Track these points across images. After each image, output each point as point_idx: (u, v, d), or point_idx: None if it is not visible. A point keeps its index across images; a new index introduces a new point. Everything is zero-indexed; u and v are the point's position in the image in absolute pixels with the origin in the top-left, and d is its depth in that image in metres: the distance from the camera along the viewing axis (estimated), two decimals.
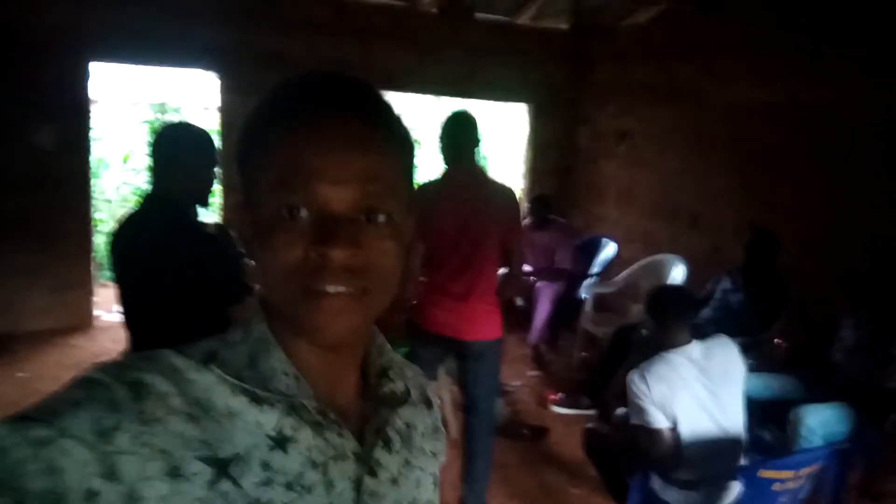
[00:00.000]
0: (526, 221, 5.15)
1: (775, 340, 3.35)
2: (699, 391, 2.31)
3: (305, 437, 0.55)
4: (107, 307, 4.96)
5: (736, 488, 2.23)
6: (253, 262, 0.58)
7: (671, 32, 5.04)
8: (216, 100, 5.18)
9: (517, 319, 4.97)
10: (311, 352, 0.58)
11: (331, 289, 0.53)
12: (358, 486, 0.58)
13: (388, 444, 0.63)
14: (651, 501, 2.42)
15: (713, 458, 2.32)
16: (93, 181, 5.00)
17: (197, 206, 2.02)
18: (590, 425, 2.98)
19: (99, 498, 0.44)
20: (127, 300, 1.96)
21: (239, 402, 0.53)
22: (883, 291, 2.97)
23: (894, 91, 3.36)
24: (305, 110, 0.54)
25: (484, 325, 2.62)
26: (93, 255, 4.95)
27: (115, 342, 4.28)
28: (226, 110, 5.14)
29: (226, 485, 0.50)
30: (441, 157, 2.60)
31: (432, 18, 5.53)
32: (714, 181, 4.65)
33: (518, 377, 4.48)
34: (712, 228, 4.68)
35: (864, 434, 2.84)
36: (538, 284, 4.77)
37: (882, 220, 3.41)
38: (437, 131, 2.60)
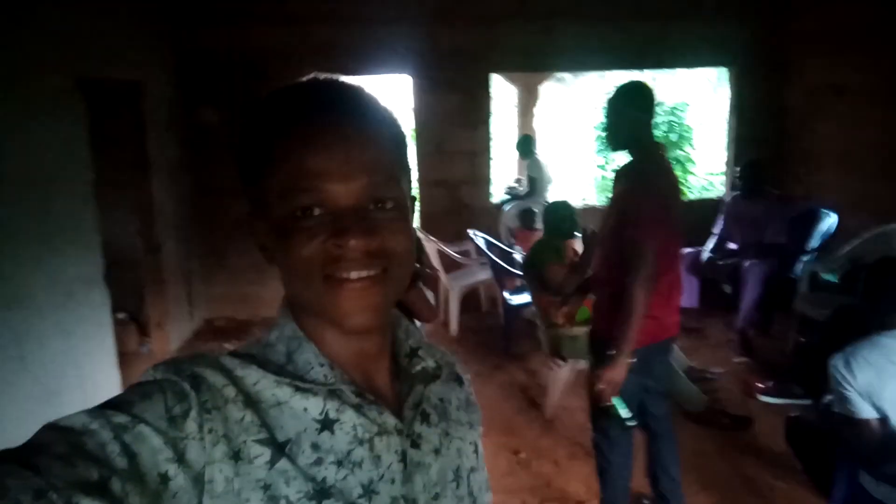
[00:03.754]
0: (736, 193, 4.77)
1: None
2: None
3: (349, 417, 0.60)
4: None
5: None
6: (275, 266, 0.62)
7: None
8: (410, 101, 5.52)
9: (723, 302, 4.64)
10: (342, 341, 0.63)
11: (353, 275, 0.57)
12: (403, 458, 0.62)
13: (426, 418, 0.67)
14: (860, 498, 2.14)
15: None
16: None
17: None
18: (794, 413, 2.71)
19: (171, 481, 0.49)
20: None
21: (284, 393, 0.58)
22: None
23: None
24: (303, 116, 0.58)
25: None
26: None
27: None
28: (418, 110, 5.47)
29: (284, 464, 0.55)
30: (620, 138, 2.33)
31: None
32: None
33: (721, 364, 4.19)
34: None
35: None
36: (746, 263, 4.39)
37: None
38: (617, 108, 2.31)
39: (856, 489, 2.16)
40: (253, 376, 0.58)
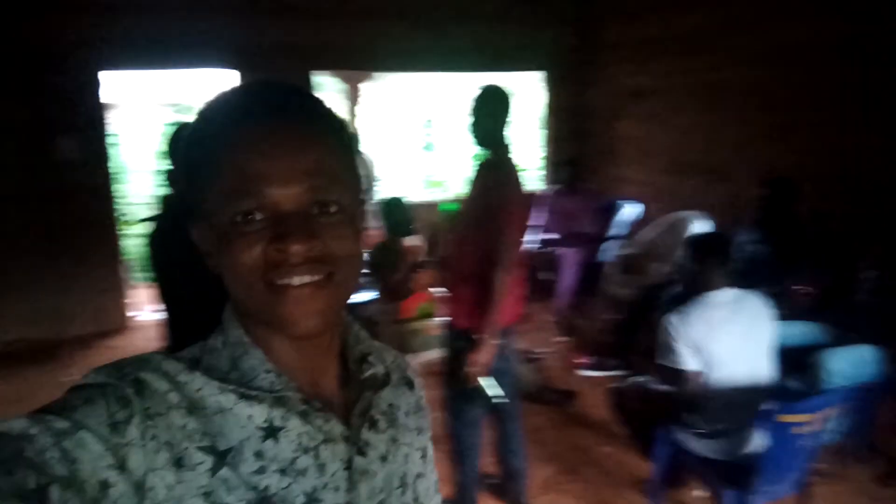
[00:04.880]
0: (555, 187, 5.16)
1: (799, 288, 3.32)
2: (733, 334, 2.37)
3: (294, 425, 0.59)
4: (140, 308, 5.14)
5: (759, 436, 2.27)
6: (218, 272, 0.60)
7: None
8: None
9: (543, 288, 5.02)
10: (288, 347, 0.61)
11: (296, 280, 0.56)
12: (349, 465, 0.62)
13: (374, 425, 0.67)
14: (677, 453, 2.47)
15: (740, 405, 2.36)
16: (118, 186, 5.14)
17: None
18: (614, 385, 3.03)
19: (112, 489, 0.47)
20: (166, 298, 2.06)
21: (228, 399, 0.57)
22: None
23: None
24: (244, 120, 0.57)
25: None
26: (122, 258, 5.13)
27: (150, 340, 4.45)
28: None
29: (226, 472, 0.54)
30: (484, 136, 2.44)
31: None
32: (730, 131, 4.59)
33: (545, 344, 4.53)
34: (731, 179, 4.63)
35: (893, 373, 2.83)
36: (561, 251, 4.79)
37: None
38: (480, 108, 2.43)
39: (674, 446, 2.48)
40: (196, 382, 0.57)
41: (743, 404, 2.38)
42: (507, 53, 5.91)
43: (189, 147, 0.60)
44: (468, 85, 10.47)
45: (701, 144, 4.89)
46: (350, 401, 0.66)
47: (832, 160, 3.77)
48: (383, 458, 0.66)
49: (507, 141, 2.45)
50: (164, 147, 2.07)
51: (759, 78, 4.29)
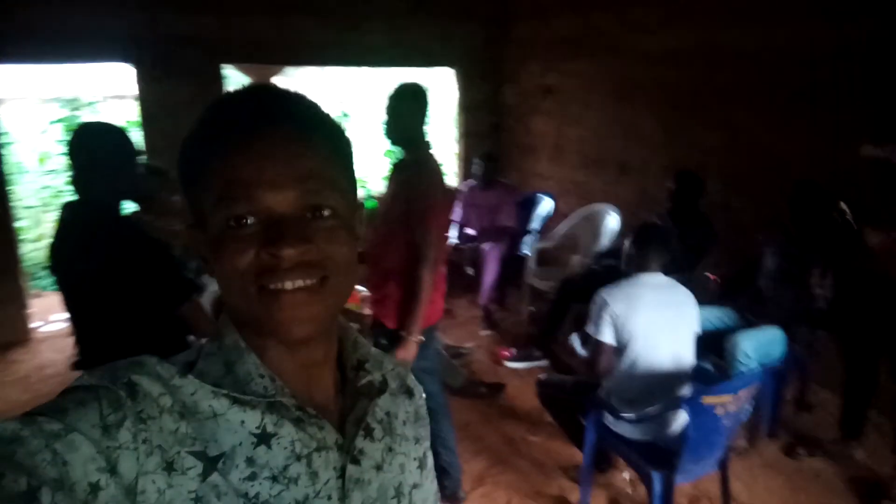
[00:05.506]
0: (471, 182, 5.21)
1: (707, 275, 3.53)
2: (659, 315, 2.50)
3: (288, 432, 0.58)
4: (44, 317, 4.78)
5: (681, 417, 2.40)
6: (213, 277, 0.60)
7: None
8: (132, 90, 5.00)
9: (466, 283, 5.07)
10: (283, 352, 0.61)
11: (288, 285, 0.55)
12: (342, 474, 0.61)
13: (369, 433, 0.66)
14: (605, 436, 2.57)
15: (662, 386, 2.48)
16: (11, 188, 4.75)
17: (130, 203, 1.99)
18: (541, 376, 3.10)
19: (102, 492, 0.47)
20: (72, 308, 1.94)
21: (221, 405, 0.56)
22: (800, 220, 3.16)
23: (801, 27, 3.52)
24: (238, 125, 0.57)
25: None
26: (21, 266, 4.74)
27: (58, 352, 4.15)
28: (144, 100, 4.97)
29: (216, 478, 0.54)
30: (401, 135, 2.44)
31: None
32: (639, 128, 4.80)
33: (471, 339, 4.59)
34: (640, 174, 4.84)
35: (794, 353, 3.06)
36: (484, 246, 4.85)
37: (797, 151, 3.60)
38: (397, 106, 2.41)
39: (602, 430, 2.58)
40: (190, 386, 0.57)
41: (665, 387, 2.51)
42: (421, 49, 5.91)
43: (185, 151, 0.60)
44: (384, 80, 10.43)
45: (612, 141, 5.08)
46: (346, 408, 0.66)
47: (734, 156, 4.01)
48: (378, 468, 0.66)
49: (426, 138, 2.46)
50: (65, 149, 1.95)
51: (665, 77, 4.49)
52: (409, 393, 0.76)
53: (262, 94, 0.60)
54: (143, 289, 1.85)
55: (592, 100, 5.23)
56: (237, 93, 0.61)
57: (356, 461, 0.63)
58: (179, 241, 2.77)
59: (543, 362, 4.09)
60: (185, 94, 5.00)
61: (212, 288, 3.28)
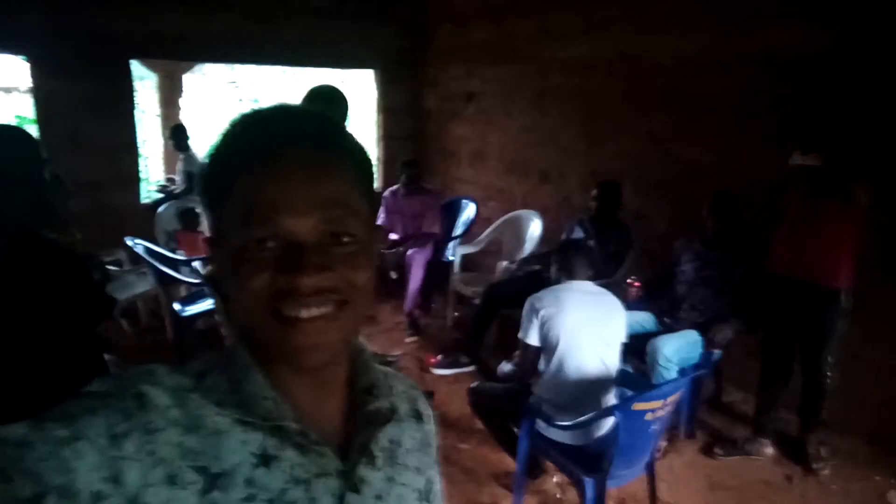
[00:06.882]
0: (396, 188, 5.15)
1: (630, 281, 3.64)
2: (586, 318, 2.57)
3: (289, 455, 0.57)
4: None
5: (608, 421, 2.46)
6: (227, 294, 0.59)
7: None
8: (26, 84, 4.64)
9: (391, 289, 5.02)
10: (291, 374, 0.60)
11: (304, 313, 0.55)
12: (341, 501, 0.60)
13: (372, 461, 0.65)
14: (538, 443, 2.59)
15: (589, 390, 2.54)
16: None
17: (39, 215, 1.81)
18: (473, 384, 3.10)
19: (105, 501, 0.47)
20: None
21: (225, 422, 0.56)
22: (713, 227, 3.31)
23: (715, 36, 3.69)
24: (262, 146, 0.56)
25: None
26: None
27: None
28: (42, 95, 4.61)
29: (216, 495, 0.53)
30: None
31: None
32: (558, 135, 4.90)
33: (396, 346, 4.54)
34: (560, 180, 4.95)
35: (710, 355, 3.21)
36: (409, 251, 4.81)
37: (709, 159, 3.78)
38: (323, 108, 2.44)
39: (534, 437, 2.60)
40: (197, 401, 0.56)
41: (592, 391, 2.56)
42: (340, 50, 5.82)
43: (208, 168, 0.61)
44: (297, 76, 10.21)
45: (533, 147, 5.17)
46: (351, 434, 0.65)
47: (650, 164, 4.17)
48: (378, 497, 0.64)
49: None
50: None
51: (584, 85, 4.62)
52: (419, 417, 0.75)
53: (287, 115, 0.61)
54: (61, 307, 1.71)
55: (513, 106, 5.31)
56: (262, 112, 0.61)
57: (356, 489, 0.62)
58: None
59: (470, 368, 4.10)
60: (90, 91, 4.69)
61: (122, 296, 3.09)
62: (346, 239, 0.57)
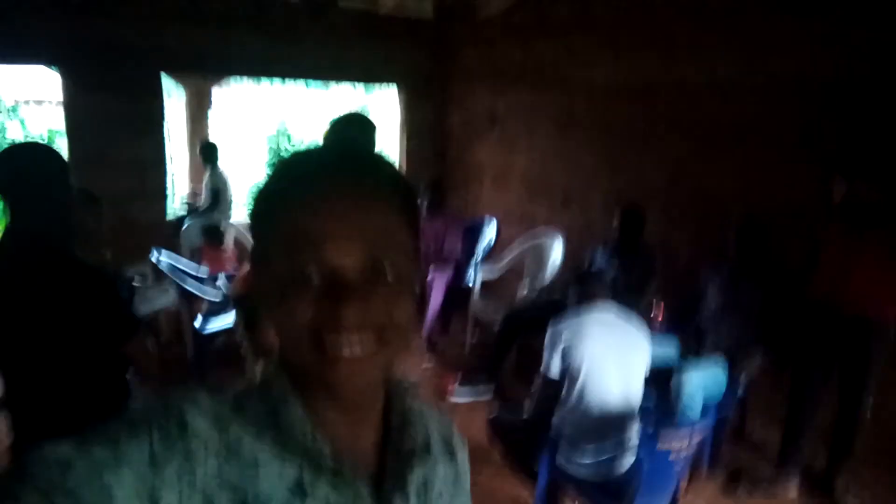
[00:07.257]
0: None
1: (655, 300, 3.58)
2: (608, 347, 2.53)
3: (323, 490, 0.58)
4: None
5: (629, 456, 2.41)
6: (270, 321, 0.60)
7: (532, 15, 5.19)
8: (57, 96, 4.73)
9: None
10: (329, 406, 0.61)
11: (346, 353, 0.56)
12: None
13: (406, 499, 0.65)
14: (559, 477, 2.55)
15: (611, 424, 2.49)
16: None
17: (68, 234, 1.83)
18: (493, 415, 3.07)
19: None
20: (6, 348, 1.77)
21: (262, 452, 0.57)
22: (740, 256, 3.26)
23: (742, 63, 3.66)
24: (310, 179, 0.59)
25: None
26: None
27: None
28: (72, 108, 4.69)
29: None
30: None
31: (291, 7, 5.34)
32: (582, 160, 4.88)
33: (413, 371, 4.50)
34: (583, 205, 4.92)
35: (736, 389, 3.14)
36: (430, 274, 4.80)
37: (735, 185, 3.73)
38: (331, 135, 2.40)
39: (554, 470, 2.55)
40: (236, 430, 0.57)
41: (614, 425, 2.51)
42: (364, 69, 5.87)
43: (258, 199, 0.62)
44: (323, 99, 10.32)
45: (556, 171, 5.15)
46: (383, 465, 0.66)
47: (675, 190, 4.12)
48: None
49: None
50: None
51: (608, 111, 4.60)
52: (452, 453, 0.75)
53: (337, 152, 0.63)
54: (90, 327, 1.72)
55: (537, 129, 5.29)
56: (312, 151, 0.64)
57: None
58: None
59: (487, 396, 4.06)
60: (120, 105, 4.77)
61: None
62: (388, 275, 0.58)
